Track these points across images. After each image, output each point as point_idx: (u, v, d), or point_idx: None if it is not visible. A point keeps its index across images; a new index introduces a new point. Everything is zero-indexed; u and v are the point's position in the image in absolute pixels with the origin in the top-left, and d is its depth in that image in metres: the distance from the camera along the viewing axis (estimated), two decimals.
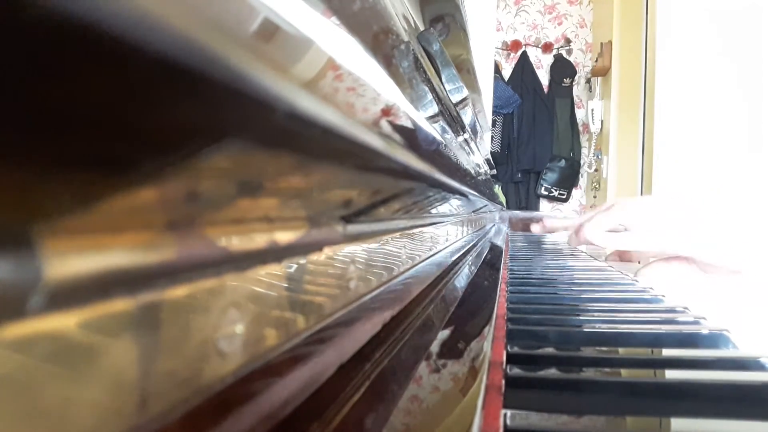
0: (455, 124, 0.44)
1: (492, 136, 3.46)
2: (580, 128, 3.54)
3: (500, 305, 0.46)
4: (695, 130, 2.11)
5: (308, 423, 0.18)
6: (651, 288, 0.59)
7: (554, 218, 0.90)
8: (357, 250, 0.24)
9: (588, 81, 3.48)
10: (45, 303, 0.08)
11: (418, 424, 0.20)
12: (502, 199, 2.91)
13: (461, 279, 0.54)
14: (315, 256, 0.19)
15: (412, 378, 0.25)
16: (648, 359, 0.34)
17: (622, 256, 0.85)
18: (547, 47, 3.64)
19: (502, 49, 3.66)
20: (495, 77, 2.88)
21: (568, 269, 0.79)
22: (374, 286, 0.27)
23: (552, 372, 0.31)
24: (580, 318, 0.45)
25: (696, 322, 0.42)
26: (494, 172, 1.24)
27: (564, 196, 3.50)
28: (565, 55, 3.61)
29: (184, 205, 0.11)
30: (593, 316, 0.46)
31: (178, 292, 0.11)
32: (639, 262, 0.76)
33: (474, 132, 0.60)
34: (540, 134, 3.50)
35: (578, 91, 3.59)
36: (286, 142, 0.13)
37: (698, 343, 0.38)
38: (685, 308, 0.47)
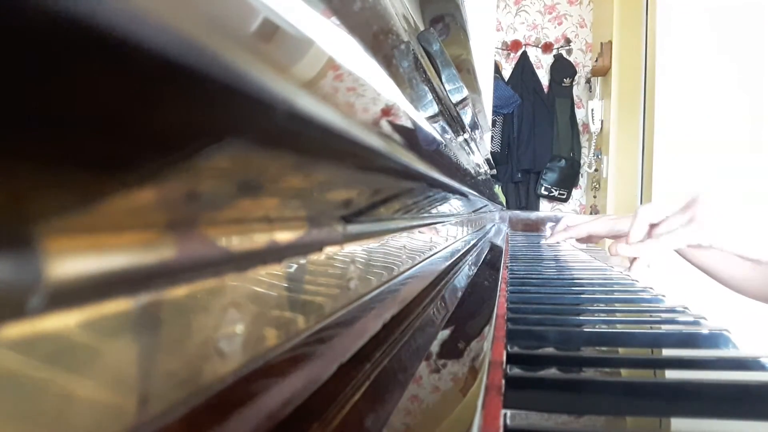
0: (455, 124, 0.44)
1: (492, 136, 3.46)
2: (580, 128, 3.53)
3: (500, 305, 0.46)
4: (695, 130, 2.10)
5: (308, 423, 0.18)
6: (651, 288, 0.59)
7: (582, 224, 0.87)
8: (357, 249, 0.24)
9: (588, 81, 3.48)
10: (45, 303, 0.08)
11: (418, 423, 0.20)
12: (502, 199, 2.91)
13: (461, 279, 0.54)
14: (315, 256, 0.19)
15: (412, 378, 0.24)
16: (648, 359, 0.34)
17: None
18: (547, 47, 3.63)
19: (502, 49, 3.66)
20: (495, 77, 2.88)
21: (567, 269, 0.79)
22: (374, 286, 0.27)
23: (552, 372, 0.31)
24: (580, 318, 0.45)
25: (696, 322, 0.42)
26: (494, 172, 1.24)
27: (564, 196, 3.50)
28: (565, 55, 3.61)
29: (184, 205, 0.11)
30: (593, 316, 0.46)
31: (178, 292, 0.11)
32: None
33: (474, 132, 0.60)
34: (540, 134, 3.50)
35: (578, 91, 3.58)
36: (286, 142, 0.13)
37: (698, 343, 0.38)
38: (685, 308, 0.47)
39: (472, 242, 0.87)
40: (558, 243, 0.98)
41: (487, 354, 0.29)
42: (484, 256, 0.80)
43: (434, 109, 0.30)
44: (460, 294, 0.47)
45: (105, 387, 0.09)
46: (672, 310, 0.47)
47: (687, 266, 0.72)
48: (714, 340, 0.38)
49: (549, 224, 1.84)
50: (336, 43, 0.14)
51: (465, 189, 0.48)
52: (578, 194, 3.59)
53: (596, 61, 3.13)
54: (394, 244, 0.31)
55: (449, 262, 0.56)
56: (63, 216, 0.08)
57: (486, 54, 1.98)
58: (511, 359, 0.32)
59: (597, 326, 0.41)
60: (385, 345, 0.27)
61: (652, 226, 0.65)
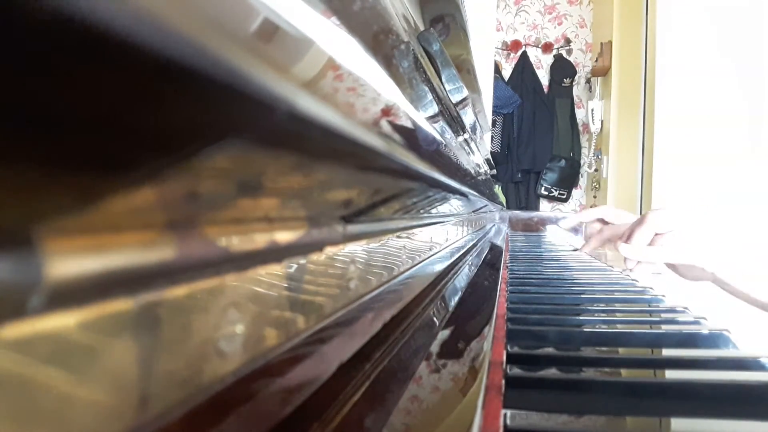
0: (455, 124, 0.44)
1: (492, 136, 3.46)
2: (580, 128, 3.53)
3: (500, 305, 0.46)
4: (695, 130, 2.10)
5: (308, 423, 0.18)
6: (651, 288, 0.59)
7: (588, 211, 0.87)
8: (357, 249, 0.24)
9: (588, 81, 3.48)
10: (45, 303, 0.08)
11: (418, 423, 0.20)
12: (502, 199, 2.91)
13: (461, 279, 0.54)
14: (315, 256, 0.19)
15: (412, 378, 0.24)
16: (648, 359, 0.34)
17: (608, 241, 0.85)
18: (547, 47, 3.63)
19: (502, 49, 3.66)
20: (495, 77, 2.88)
21: (568, 269, 0.79)
22: (374, 286, 0.27)
23: (552, 372, 0.31)
24: (580, 318, 0.45)
25: (696, 322, 0.42)
26: (494, 172, 1.24)
27: (564, 196, 3.50)
28: (565, 55, 3.61)
29: (184, 205, 0.11)
30: (593, 316, 0.46)
31: (178, 292, 0.11)
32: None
33: (474, 132, 0.60)
34: (540, 134, 3.50)
35: (578, 91, 3.58)
36: (286, 142, 0.13)
37: (698, 343, 0.38)
38: (685, 308, 0.47)
39: (472, 242, 0.87)
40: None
41: (487, 354, 0.29)
42: (484, 256, 0.80)
43: (434, 109, 0.30)
44: (460, 294, 0.47)
45: (105, 387, 0.09)
46: (672, 310, 0.47)
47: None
48: (714, 340, 0.38)
49: (549, 225, 1.85)
50: (336, 43, 0.14)
51: (465, 189, 0.48)
52: (578, 194, 3.59)
53: (596, 61, 3.13)
54: (394, 244, 0.31)
55: (449, 262, 0.56)
56: (63, 216, 0.08)
57: (486, 54, 1.98)
58: (511, 359, 0.32)
59: (597, 326, 0.41)
60: (385, 345, 0.27)
61: (657, 234, 0.65)
